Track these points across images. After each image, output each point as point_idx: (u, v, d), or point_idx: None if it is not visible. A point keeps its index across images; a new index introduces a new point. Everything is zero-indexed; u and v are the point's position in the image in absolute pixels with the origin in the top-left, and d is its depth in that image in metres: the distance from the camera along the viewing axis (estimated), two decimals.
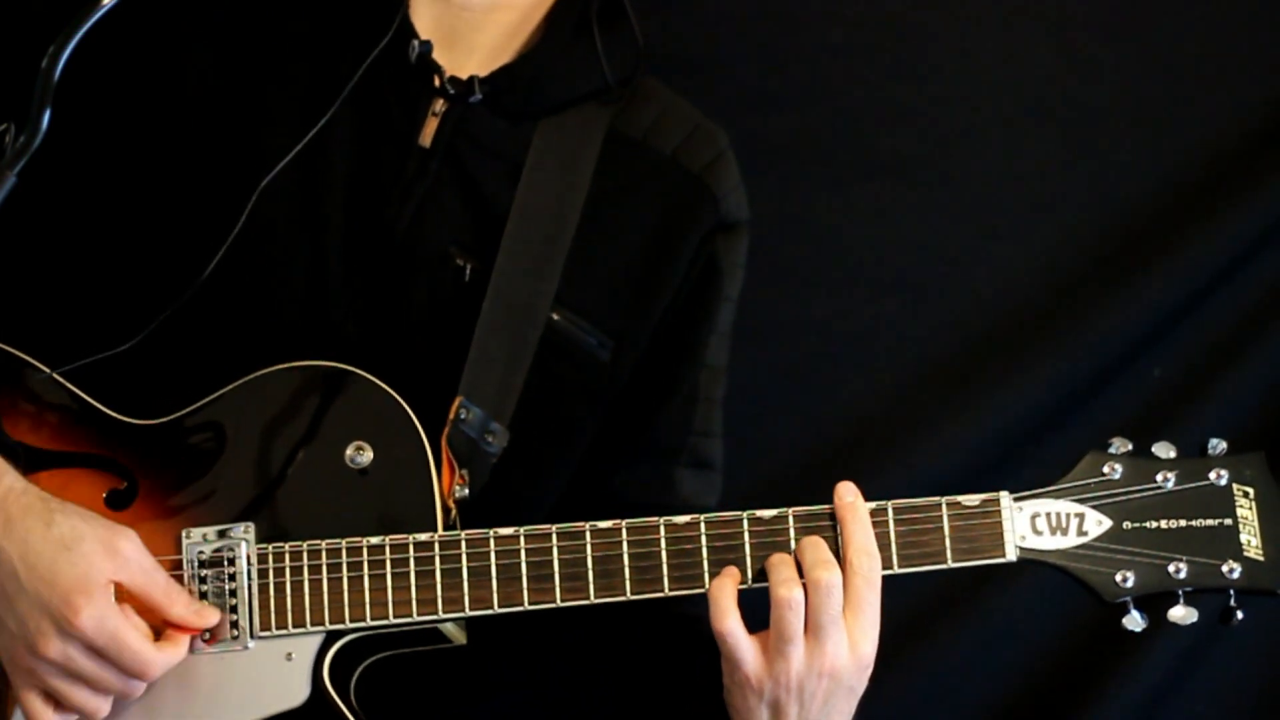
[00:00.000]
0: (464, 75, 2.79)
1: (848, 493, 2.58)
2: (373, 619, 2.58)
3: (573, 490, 2.84)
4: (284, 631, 2.59)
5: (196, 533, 2.61)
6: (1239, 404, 3.45)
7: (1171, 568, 2.57)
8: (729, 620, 2.54)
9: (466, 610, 2.58)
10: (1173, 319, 3.49)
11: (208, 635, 2.59)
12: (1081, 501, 2.59)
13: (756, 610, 2.55)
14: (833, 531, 2.57)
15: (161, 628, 2.56)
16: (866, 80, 3.50)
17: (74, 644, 2.48)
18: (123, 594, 2.53)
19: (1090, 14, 3.50)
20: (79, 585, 2.48)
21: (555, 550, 2.59)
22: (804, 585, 2.53)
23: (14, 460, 2.58)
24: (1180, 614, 2.57)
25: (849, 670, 2.54)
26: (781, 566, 2.55)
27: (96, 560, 2.50)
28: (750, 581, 2.57)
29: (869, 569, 2.54)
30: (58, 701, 2.53)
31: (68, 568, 2.48)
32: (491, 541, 2.59)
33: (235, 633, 2.59)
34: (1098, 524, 2.59)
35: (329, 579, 2.59)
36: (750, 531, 2.59)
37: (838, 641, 2.52)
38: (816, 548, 2.55)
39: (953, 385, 3.50)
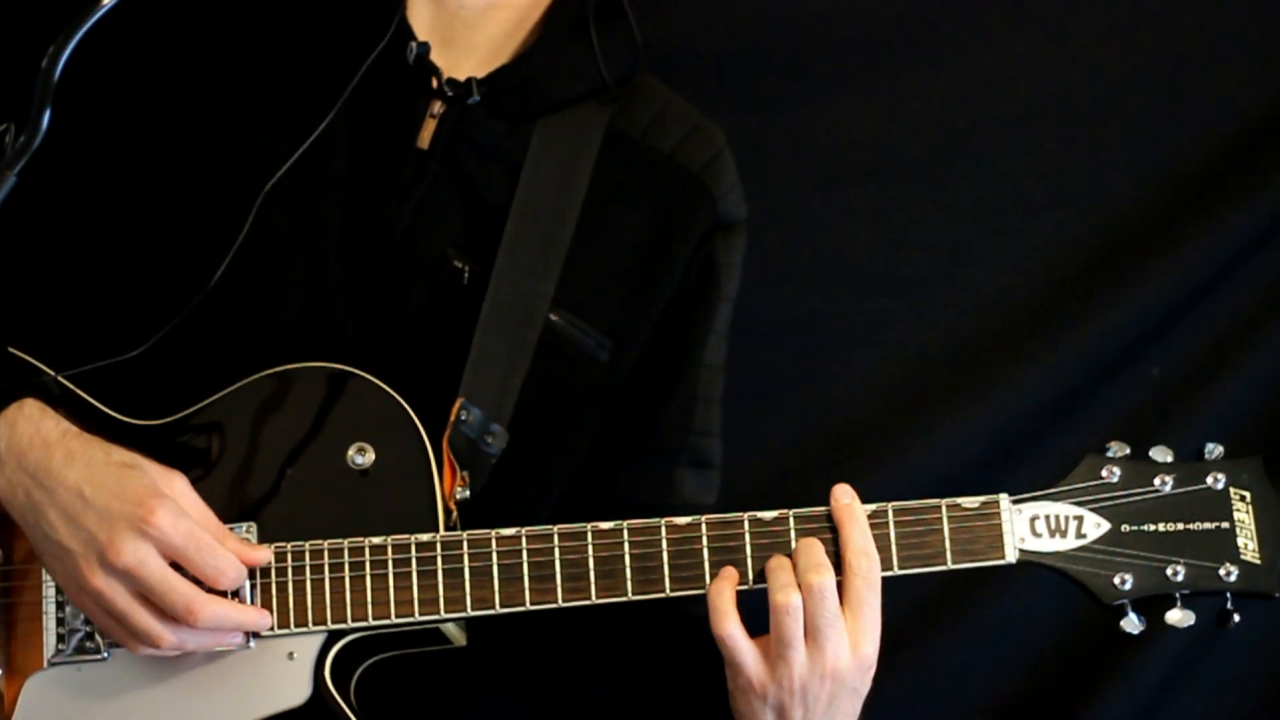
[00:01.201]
0: (461, 76, 2.79)
1: (844, 495, 2.59)
2: (374, 619, 2.59)
3: (573, 491, 2.84)
4: (286, 631, 2.59)
5: None
6: (1237, 405, 3.46)
7: (1169, 570, 2.58)
8: (728, 624, 2.54)
9: (468, 610, 2.59)
10: (1171, 319, 3.49)
11: None
12: (1080, 504, 2.60)
13: (760, 609, 2.56)
14: (832, 533, 2.58)
15: None
16: (866, 80, 3.50)
17: (149, 546, 2.51)
18: None
19: (1090, 14, 3.50)
20: (150, 490, 2.52)
21: (557, 551, 2.59)
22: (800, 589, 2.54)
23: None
24: (1178, 617, 2.59)
25: (851, 671, 2.54)
26: (779, 572, 2.55)
27: (159, 479, 2.54)
28: (751, 582, 2.58)
29: (867, 570, 2.55)
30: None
31: (135, 480, 2.53)
32: (494, 542, 2.60)
33: None
34: (1096, 526, 2.60)
35: (331, 579, 2.59)
36: (751, 533, 2.59)
37: (838, 643, 2.53)
38: (810, 551, 2.56)
39: (952, 385, 3.50)
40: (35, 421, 2.57)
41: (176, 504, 2.53)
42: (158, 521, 2.50)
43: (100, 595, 2.52)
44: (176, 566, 2.54)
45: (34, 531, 2.56)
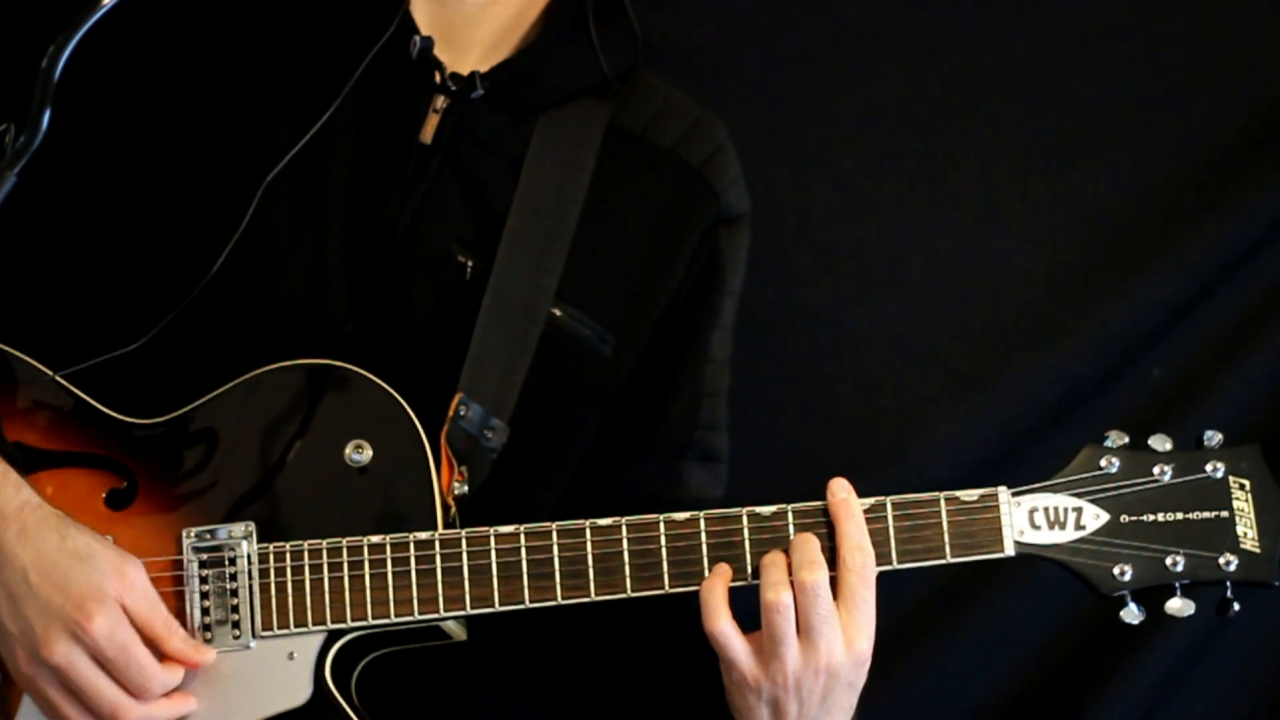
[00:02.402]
0: (464, 71, 2.79)
1: (840, 489, 2.59)
2: (374, 618, 2.58)
3: (580, 486, 2.84)
4: (285, 631, 2.59)
5: (196, 532, 2.61)
6: (1239, 403, 3.44)
7: (1169, 560, 2.58)
8: (720, 621, 2.54)
9: (468, 608, 2.59)
10: (1172, 318, 3.48)
11: (208, 636, 2.59)
12: (1079, 495, 2.59)
13: (757, 609, 2.55)
14: (829, 528, 2.58)
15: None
16: (867, 79, 3.49)
17: (80, 650, 2.49)
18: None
19: (1090, 14, 3.49)
20: (93, 593, 2.49)
21: (556, 548, 2.59)
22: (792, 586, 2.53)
23: (15, 466, 2.59)
24: (1177, 606, 2.58)
25: (846, 666, 2.54)
26: (771, 569, 2.55)
27: (109, 576, 2.51)
28: (750, 578, 2.58)
29: (862, 565, 2.55)
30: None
31: (81, 576, 2.50)
32: (492, 539, 2.60)
33: (237, 633, 2.59)
34: (1095, 518, 2.59)
35: (330, 578, 2.59)
36: (750, 528, 2.59)
37: (831, 639, 2.53)
38: (804, 548, 2.55)
39: (953, 383, 3.49)
40: None
41: (118, 611, 2.50)
42: (93, 630, 2.48)
43: (32, 681, 2.52)
44: None
45: None
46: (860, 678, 2.57)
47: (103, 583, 2.50)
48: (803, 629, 2.53)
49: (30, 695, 2.54)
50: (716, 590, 2.55)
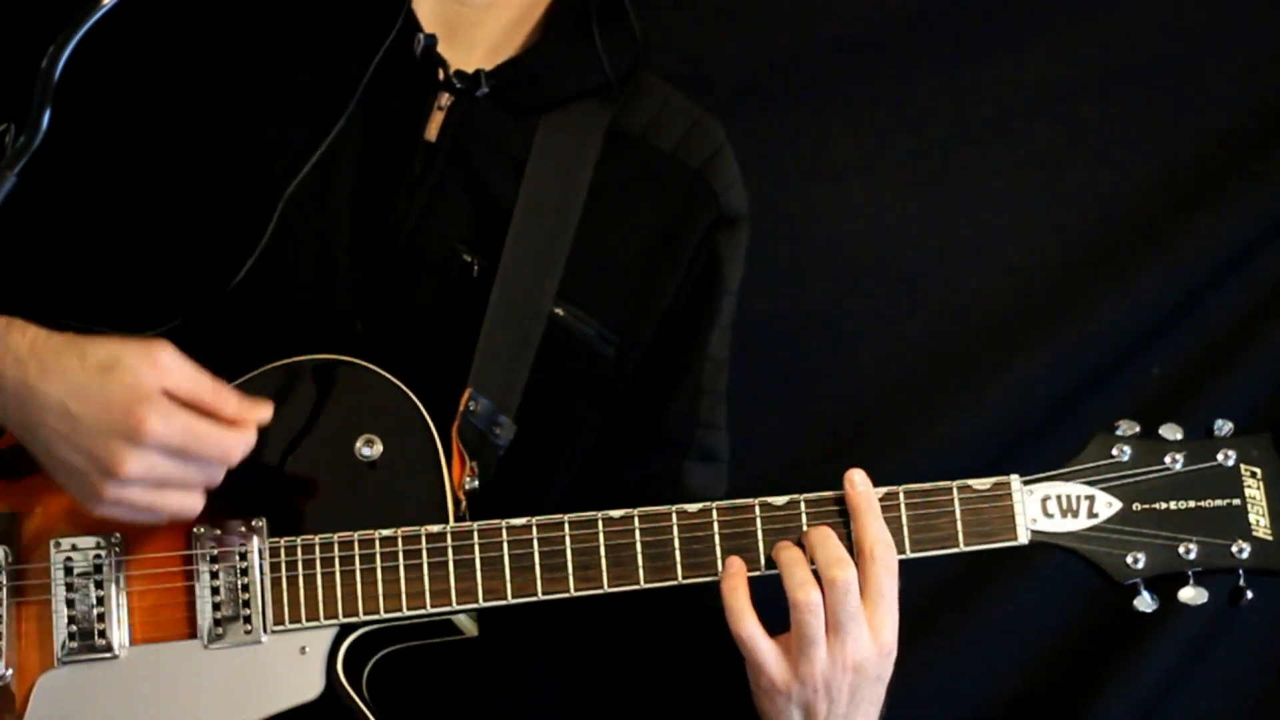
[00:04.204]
0: (468, 69, 2.79)
1: (860, 481, 2.58)
2: (386, 611, 2.58)
3: (582, 484, 2.84)
4: (297, 625, 2.58)
5: (207, 527, 2.59)
6: (1238, 401, 3.45)
7: (1181, 548, 2.58)
8: (747, 624, 2.53)
9: (480, 601, 2.58)
10: (1172, 316, 3.49)
11: (220, 631, 2.58)
12: (1091, 484, 2.60)
13: (768, 610, 2.55)
14: (839, 518, 2.57)
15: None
16: (867, 78, 3.49)
17: (152, 452, 2.46)
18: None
19: (1090, 14, 3.50)
20: (134, 397, 2.45)
21: (568, 540, 2.59)
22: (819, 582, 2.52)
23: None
24: (1190, 594, 2.58)
25: (873, 660, 2.53)
26: (795, 568, 2.53)
27: (142, 371, 2.47)
28: (763, 568, 2.57)
29: (888, 558, 2.54)
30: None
31: (117, 386, 2.46)
32: (504, 532, 2.59)
33: (248, 628, 2.58)
34: (1108, 506, 2.59)
35: (341, 572, 2.58)
36: (762, 518, 2.59)
37: (858, 636, 2.52)
38: (828, 545, 2.54)
39: (953, 382, 3.50)
40: (1, 339, 2.52)
41: (164, 402, 2.46)
42: (150, 430, 2.44)
43: (120, 503, 2.49)
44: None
45: (36, 449, 2.52)
46: (887, 670, 2.56)
47: (137, 382, 2.46)
48: (831, 626, 2.51)
49: (122, 519, 2.53)
50: (739, 592, 2.54)
